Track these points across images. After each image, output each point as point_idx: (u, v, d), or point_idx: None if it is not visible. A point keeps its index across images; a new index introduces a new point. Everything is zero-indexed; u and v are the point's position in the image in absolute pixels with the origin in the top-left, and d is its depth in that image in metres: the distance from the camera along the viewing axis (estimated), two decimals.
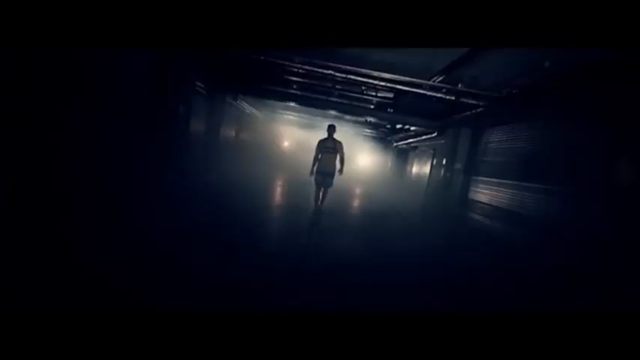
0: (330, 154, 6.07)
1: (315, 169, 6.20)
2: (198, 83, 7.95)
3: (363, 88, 8.00)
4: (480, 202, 7.54)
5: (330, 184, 6.17)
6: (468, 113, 7.51)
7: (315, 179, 6.19)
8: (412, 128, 11.91)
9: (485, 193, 7.38)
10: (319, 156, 6.12)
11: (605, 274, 3.93)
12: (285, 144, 19.67)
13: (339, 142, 6.13)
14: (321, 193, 6.29)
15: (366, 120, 11.60)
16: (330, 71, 6.84)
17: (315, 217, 6.02)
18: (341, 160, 6.17)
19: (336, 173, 6.21)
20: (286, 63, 6.93)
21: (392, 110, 9.55)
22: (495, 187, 6.97)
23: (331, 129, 6.11)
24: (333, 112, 10.09)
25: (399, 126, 12.71)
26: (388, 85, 6.95)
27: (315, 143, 6.28)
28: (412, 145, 13.55)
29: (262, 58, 6.91)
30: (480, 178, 7.74)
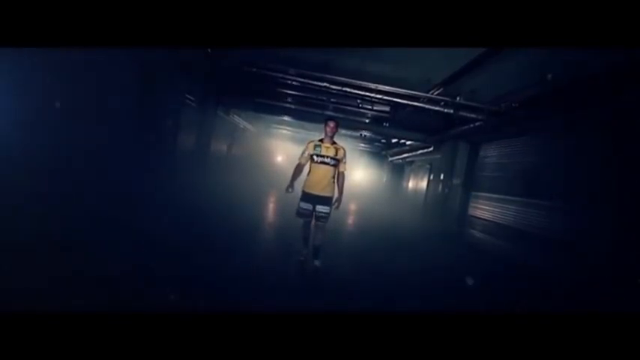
0: (327, 167, 3.63)
1: (297, 186, 3.79)
2: (188, 96, 7.69)
3: (358, 101, 7.82)
4: (481, 218, 7.28)
5: (326, 217, 3.67)
6: (466, 127, 7.33)
7: (300, 208, 3.70)
8: (408, 143, 11.76)
9: (486, 209, 7.13)
10: (309, 168, 3.74)
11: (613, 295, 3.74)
12: (279, 159, 19.45)
13: (342, 149, 3.71)
14: (311, 231, 3.84)
15: (361, 134, 11.43)
16: (325, 83, 6.65)
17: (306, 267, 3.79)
18: (339, 178, 3.73)
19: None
20: (280, 75, 6.73)
21: (388, 124, 9.39)
22: (498, 204, 6.72)
23: (332, 126, 3.67)
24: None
25: (394, 140, 12.57)
26: (385, 97, 6.77)
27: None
28: (408, 159, 13.38)
29: (255, 69, 6.72)
30: (481, 193, 7.50)
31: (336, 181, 3.73)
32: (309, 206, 3.67)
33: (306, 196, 3.68)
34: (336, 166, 3.67)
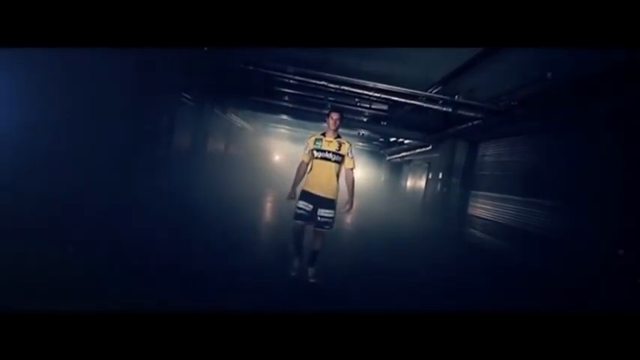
0: (329, 163, 3.20)
1: (298, 188, 3.30)
2: (185, 94, 7.61)
3: (356, 100, 7.76)
4: (481, 217, 7.25)
5: (329, 223, 3.22)
6: (465, 126, 7.29)
7: (298, 208, 3.20)
8: (406, 141, 11.73)
9: (486, 208, 7.10)
10: (310, 166, 3.29)
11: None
12: (277, 158, 19.38)
13: (347, 144, 3.26)
14: (304, 237, 3.34)
15: (359, 133, 11.39)
16: (322, 82, 6.58)
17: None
18: (346, 177, 3.31)
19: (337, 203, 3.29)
20: (277, 73, 6.67)
21: (386, 123, 9.35)
22: (497, 203, 6.69)
23: (335, 118, 3.22)
24: (325, 125, 9.85)
25: (392, 139, 12.53)
26: (383, 96, 6.71)
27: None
28: (406, 158, 13.35)
29: (252, 68, 6.65)
30: (480, 192, 7.47)
31: (344, 179, 3.29)
32: (308, 206, 3.18)
33: (306, 195, 3.21)
34: (339, 162, 3.22)
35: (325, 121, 3.36)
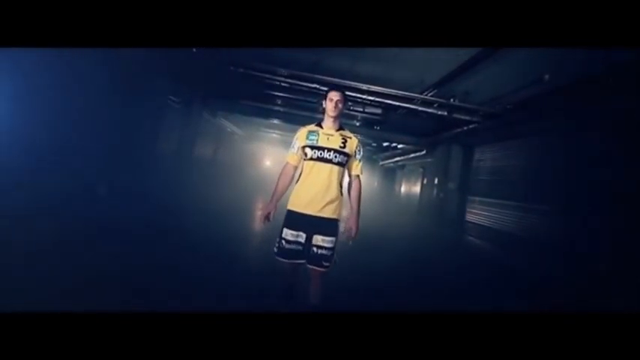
0: (331, 167, 2.15)
1: (285, 201, 2.26)
2: (172, 97, 7.35)
3: (349, 103, 7.59)
4: (479, 224, 7.09)
5: (329, 257, 2.14)
6: (460, 130, 7.17)
7: (285, 241, 2.14)
8: (400, 146, 11.61)
9: (484, 215, 6.94)
10: (300, 170, 2.27)
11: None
12: (268, 164, 19.15)
13: (356, 139, 2.27)
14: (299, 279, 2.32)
15: None
16: (315, 85, 6.40)
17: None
18: (354, 189, 2.27)
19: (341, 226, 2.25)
20: (268, 76, 6.47)
21: (379, 127, 9.20)
22: (496, 209, 6.53)
23: (336, 99, 2.17)
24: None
25: (385, 144, 12.41)
26: (377, 99, 6.56)
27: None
28: (399, 163, 13.22)
29: (242, 70, 6.45)
30: (477, 198, 7.33)
31: (350, 193, 2.27)
32: (300, 236, 2.12)
33: (295, 218, 2.14)
34: (343, 165, 2.18)
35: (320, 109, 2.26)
